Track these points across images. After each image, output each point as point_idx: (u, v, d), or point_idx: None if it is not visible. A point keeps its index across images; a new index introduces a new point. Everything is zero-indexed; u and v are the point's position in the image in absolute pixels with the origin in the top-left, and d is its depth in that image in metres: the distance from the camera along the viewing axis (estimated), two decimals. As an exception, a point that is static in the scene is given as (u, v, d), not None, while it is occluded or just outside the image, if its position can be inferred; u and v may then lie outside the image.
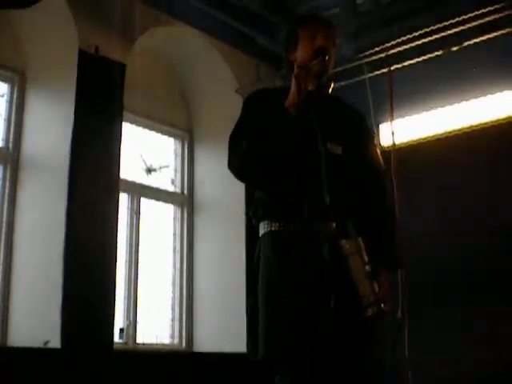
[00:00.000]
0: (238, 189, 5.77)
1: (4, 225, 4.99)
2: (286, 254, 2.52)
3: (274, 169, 2.54)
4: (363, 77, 5.56)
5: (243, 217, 5.74)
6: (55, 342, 4.49)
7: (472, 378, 4.94)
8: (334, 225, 2.55)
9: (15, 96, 5.27)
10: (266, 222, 2.61)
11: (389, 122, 5.51)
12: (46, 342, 4.50)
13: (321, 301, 2.44)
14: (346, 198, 2.59)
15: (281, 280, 2.49)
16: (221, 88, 6.36)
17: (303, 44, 2.70)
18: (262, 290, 2.54)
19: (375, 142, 2.89)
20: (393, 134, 5.40)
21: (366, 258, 2.49)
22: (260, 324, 2.50)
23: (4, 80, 5.27)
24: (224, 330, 5.91)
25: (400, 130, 5.63)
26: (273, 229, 2.58)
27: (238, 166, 2.56)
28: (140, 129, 6.11)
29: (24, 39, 5.30)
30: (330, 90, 2.77)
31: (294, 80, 2.51)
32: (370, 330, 2.56)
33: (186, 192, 6.45)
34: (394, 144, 5.39)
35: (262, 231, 2.64)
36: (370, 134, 2.92)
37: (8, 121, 5.21)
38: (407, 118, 5.72)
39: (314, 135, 2.59)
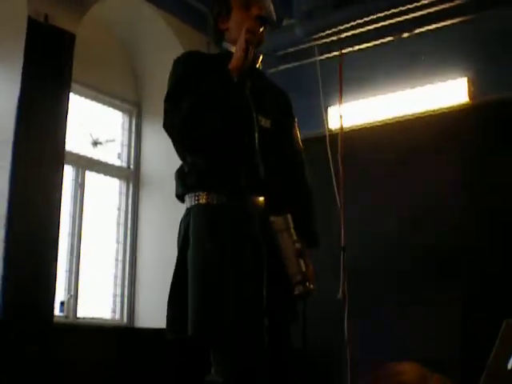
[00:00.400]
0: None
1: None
2: (221, 229, 2.43)
3: (215, 133, 2.45)
4: (314, 59, 5.60)
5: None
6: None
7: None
8: (264, 200, 2.52)
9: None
10: (198, 193, 2.50)
11: (337, 106, 5.57)
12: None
13: (256, 278, 2.39)
14: (276, 173, 2.56)
15: (216, 256, 2.39)
16: (170, 64, 6.29)
17: (237, 13, 2.64)
18: (195, 266, 2.42)
19: (296, 124, 2.89)
20: (341, 117, 5.47)
21: (295, 236, 2.48)
22: (193, 301, 2.39)
23: None
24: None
25: (348, 113, 5.67)
26: (205, 201, 2.48)
27: (179, 126, 2.43)
28: (88, 101, 6.02)
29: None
30: (258, 64, 2.73)
31: (240, 44, 2.43)
32: (295, 308, 2.57)
33: (132, 166, 6.41)
34: (341, 127, 5.45)
35: (190, 203, 2.54)
36: (294, 115, 2.87)
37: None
38: (355, 102, 5.76)
39: (248, 104, 2.54)
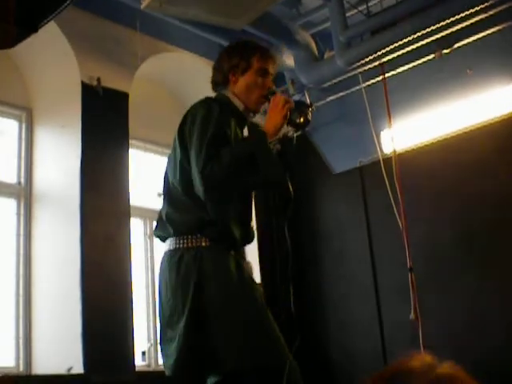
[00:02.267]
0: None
1: (21, 257, 5.13)
2: (238, 270, 2.68)
3: (251, 188, 2.79)
4: (359, 86, 5.68)
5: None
6: (78, 368, 4.62)
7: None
8: None
9: (23, 133, 5.43)
10: (204, 238, 2.66)
11: (388, 129, 5.61)
12: (70, 369, 4.62)
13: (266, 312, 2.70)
14: None
15: (245, 295, 2.65)
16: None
17: (252, 76, 2.91)
18: (229, 301, 2.59)
19: None
20: (393, 140, 5.51)
21: None
22: (238, 337, 2.54)
23: (12, 117, 5.44)
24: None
25: (400, 136, 5.70)
26: (212, 245, 2.66)
27: (220, 176, 2.51)
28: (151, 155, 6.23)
29: (29, 76, 5.47)
30: None
31: (282, 112, 2.79)
32: None
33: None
34: (394, 150, 5.48)
35: (197, 244, 2.67)
36: None
37: (18, 157, 5.37)
38: (405, 123, 5.79)
39: None
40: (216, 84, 3.02)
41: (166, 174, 2.90)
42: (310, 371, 6.09)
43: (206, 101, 2.84)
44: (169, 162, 2.89)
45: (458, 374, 0.91)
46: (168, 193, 2.84)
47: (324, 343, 6.16)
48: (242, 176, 2.57)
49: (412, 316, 4.98)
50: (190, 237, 2.68)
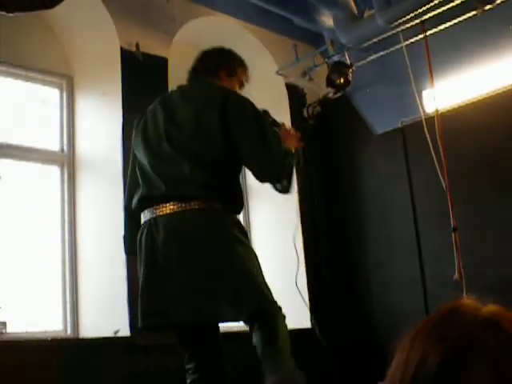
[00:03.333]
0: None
1: (66, 224, 5.21)
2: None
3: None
4: (400, 45, 5.59)
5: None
6: (124, 331, 4.70)
7: None
8: None
9: (65, 100, 5.48)
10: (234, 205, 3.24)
11: (430, 89, 5.53)
12: (116, 332, 4.70)
13: None
14: None
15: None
16: (261, 71, 6.45)
17: (235, 84, 3.51)
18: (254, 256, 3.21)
19: None
20: (435, 99, 5.43)
21: None
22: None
23: (53, 85, 5.48)
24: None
25: (442, 94, 5.62)
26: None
27: (291, 169, 3.29)
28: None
29: (68, 44, 5.49)
30: None
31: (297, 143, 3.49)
32: None
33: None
34: (437, 110, 5.41)
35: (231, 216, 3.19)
36: None
37: (60, 125, 5.42)
38: (449, 82, 5.70)
39: None
40: (201, 71, 3.49)
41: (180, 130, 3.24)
42: (353, 330, 6.14)
43: (249, 102, 3.28)
44: (193, 125, 3.20)
45: (505, 311, 0.94)
46: (193, 154, 3.14)
47: (366, 303, 6.17)
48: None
49: (456, 276, 4.94)
50: (227, 201, 3.15)
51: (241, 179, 3.48)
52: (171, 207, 3.04)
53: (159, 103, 3.40)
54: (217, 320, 3.20)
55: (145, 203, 3.16)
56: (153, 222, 3.09)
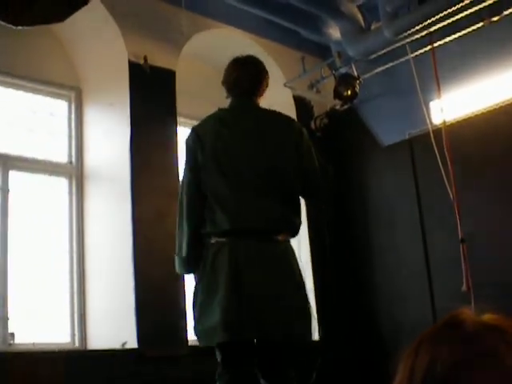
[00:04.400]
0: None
1: (74, 235, 5.23)
2: None
3: None
4: (407, 57, 5.59)
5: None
6: (132, 343, 4.70)
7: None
8: None
9: (73, 112, 5.51)
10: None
11: (437, 100, 5.53)
12: (124, 343, 4.71)
13: None
14: None
15: None
16: (270, 83, 6.45)
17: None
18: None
19: None
20: (442, 111, 5.43)
21: None
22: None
23: (61, 98, 5.52)
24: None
25: (450, 106, 5.62)
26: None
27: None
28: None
29: (76, 57, 5.53)
30: None
31: None
32: None
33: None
34: (444, 121, 5.41)
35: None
36: None
37: (69, 136, 5.45)
38: (455, 93, 5.70)
39: None
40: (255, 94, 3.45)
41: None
42: (361, 343, 6.12)
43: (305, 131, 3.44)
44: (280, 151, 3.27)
45: (504, 320, 0.96)
46: (278, 184, 3.23)
47: (374, 315, 6.16)
48: None
49: (464, 287, 4.93)
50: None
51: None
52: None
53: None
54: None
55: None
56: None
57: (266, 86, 3.46)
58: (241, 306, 2.97)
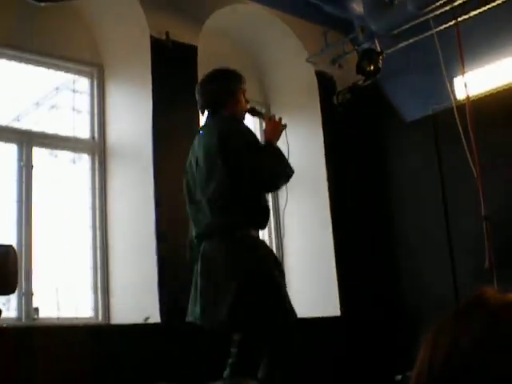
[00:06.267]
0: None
1: (97, 211, 5.26)
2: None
3: None
4: (431, 32, 5.52)
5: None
6: (155, 318, 4.74)
7: None
8: None
9: (95, 89, 5.52)
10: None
11: (461, 75, 5.46)
12: (147, 318, 4.74)
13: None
14: None
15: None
16: (291, 59, 6.44)
17: (241, 100, 3.65)
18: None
19: None
20: (466, 86, 5.37)
21: None
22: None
23: (84, 75, 5.53)
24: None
25: (474, 82, 5.55)
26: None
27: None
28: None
29: (98, 34, 5.52)
30: None
31: (280, 130, 3.56)
32: None
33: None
34: (468, 97, 5.35)
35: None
36: None
37: (91, 113, 5.47)
38: (480, 69, 5.64)
39: None
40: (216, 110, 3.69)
41: None
42: (384, 319, 6.12)
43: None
44: None
45: None
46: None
47: (397, 292, 6.16)
48: None
49: (487, 265, 4.90)
50: None
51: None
52: None
53: None
54: None
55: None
56: None
57: (232, 95, 3.62)
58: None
